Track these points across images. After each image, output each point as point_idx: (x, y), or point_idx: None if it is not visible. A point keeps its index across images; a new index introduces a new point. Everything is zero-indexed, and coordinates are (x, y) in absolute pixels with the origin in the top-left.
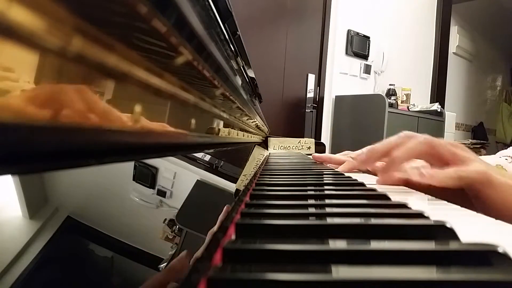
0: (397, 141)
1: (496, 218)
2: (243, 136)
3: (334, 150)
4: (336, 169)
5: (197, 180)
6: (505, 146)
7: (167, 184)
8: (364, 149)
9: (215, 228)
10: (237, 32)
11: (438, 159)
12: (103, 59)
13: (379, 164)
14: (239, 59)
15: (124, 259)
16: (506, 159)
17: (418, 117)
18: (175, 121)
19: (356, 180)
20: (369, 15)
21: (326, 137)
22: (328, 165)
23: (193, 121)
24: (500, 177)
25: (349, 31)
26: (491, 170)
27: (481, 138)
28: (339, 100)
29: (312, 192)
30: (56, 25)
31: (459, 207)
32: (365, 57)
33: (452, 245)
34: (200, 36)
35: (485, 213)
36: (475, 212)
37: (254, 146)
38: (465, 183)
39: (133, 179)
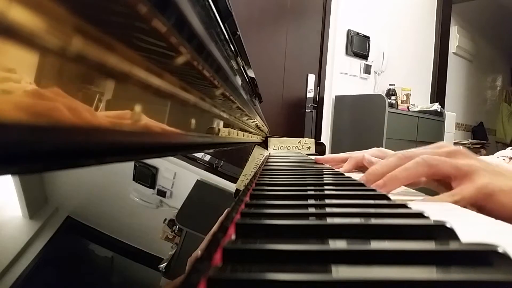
0: (397, 162)
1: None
2: (243, 136)
3: (334, 150)
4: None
5: (197, 180)
6: (505, 146)
7: (167, 184)
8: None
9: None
10: (237, 32)
11: (441, 177)
12: (103, 59)
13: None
14: (239, 59)
15: (124, 259)
16: (504, 159)
17: (418, 117)
18: (175, 121)
19: (356, 180)
20: (369, 15)
21: (326, 137)
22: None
23: (193, 121)
24: (500, 185)
25: (349, 31)
26: (493, 178)
27: (481, 138)
28: (339, 100)
29: (312, 192)
30: (56, 25)
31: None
32: (365, 57)
33: (452, 245)
34: (200, 36)
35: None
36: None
37: (254, 146)
38: (469, 202)
39: (133, 179)
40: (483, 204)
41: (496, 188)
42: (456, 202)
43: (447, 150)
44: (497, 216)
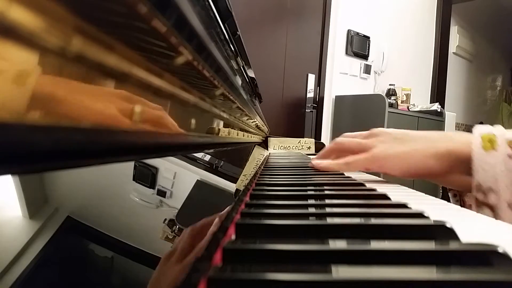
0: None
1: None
2: (243, 136)
3: None
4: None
5: (197, 180)
6: None
7: (167, 184)
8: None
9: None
10: (237, 32)
11: (349, 152)
12: (103, 59)
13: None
14: (239, 59)
15: (124, 259)
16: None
17: (418, 117)
18: (175, 121)
19: (356, 180)
20: (369, 15)
21: (326, 137)
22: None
23: (193, 121)
24: (389, 152)
25: (349, 31)
26: (387, 147)
27: None
28: (339, 100)
29: (312, 192)
30: (56, 25)
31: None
32: (365, 57)
33: (452, 245)
34: (200, 36)
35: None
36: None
37: (254, 146)
38: (358, 168)
39: (133, 179)
40: (377, 169)
41: (385, 154)
42: (348, 165)
43: (366, 133)
44: (390, 174)
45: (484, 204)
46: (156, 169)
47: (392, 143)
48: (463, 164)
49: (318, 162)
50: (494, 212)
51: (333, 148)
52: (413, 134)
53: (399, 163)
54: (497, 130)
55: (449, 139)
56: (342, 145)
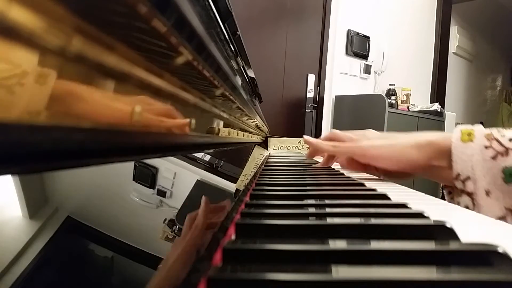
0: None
1: (381, 171)
2: (243, 136)
3: None
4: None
5: (197, 180)
6: None
7: (167, 184)
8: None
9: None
10: (237, 32)
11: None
12: (103, 59)
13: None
14: (239, 59)
15: (124, 259)
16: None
17: (418, 117)
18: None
19: (356, 180)
20: (369, 15)
21: None
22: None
23: (193, 121)
24: (373, 144)
25: (349, 31)
26: (372, 142)
27: None
28: (339, 100)
29: (312, 192)
30: (56, 25)
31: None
32: (365, 57)
33: (452, 245)
34: (200, 36)
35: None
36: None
37: (254, 146)
38: (342, 153)
39: (133, 179)
40: (360, 158)
41: (369, 146)
42: (335, 147)
43: (359, 132)
44: (372, 165)
45: (464, 192)
46: (156, 169)
47: (378, 140)
48: (443, 156)
49: (308, 138)
50: (472, 199)
51: (328, 137)
52: (398, 134)
53: (382, 154)
54: (477, 127)
55: (430, 134)
56: (336, 135)
